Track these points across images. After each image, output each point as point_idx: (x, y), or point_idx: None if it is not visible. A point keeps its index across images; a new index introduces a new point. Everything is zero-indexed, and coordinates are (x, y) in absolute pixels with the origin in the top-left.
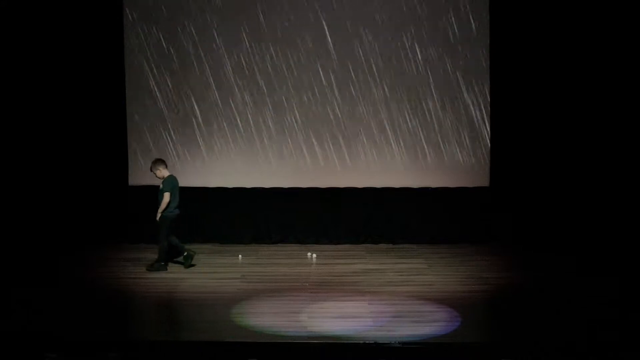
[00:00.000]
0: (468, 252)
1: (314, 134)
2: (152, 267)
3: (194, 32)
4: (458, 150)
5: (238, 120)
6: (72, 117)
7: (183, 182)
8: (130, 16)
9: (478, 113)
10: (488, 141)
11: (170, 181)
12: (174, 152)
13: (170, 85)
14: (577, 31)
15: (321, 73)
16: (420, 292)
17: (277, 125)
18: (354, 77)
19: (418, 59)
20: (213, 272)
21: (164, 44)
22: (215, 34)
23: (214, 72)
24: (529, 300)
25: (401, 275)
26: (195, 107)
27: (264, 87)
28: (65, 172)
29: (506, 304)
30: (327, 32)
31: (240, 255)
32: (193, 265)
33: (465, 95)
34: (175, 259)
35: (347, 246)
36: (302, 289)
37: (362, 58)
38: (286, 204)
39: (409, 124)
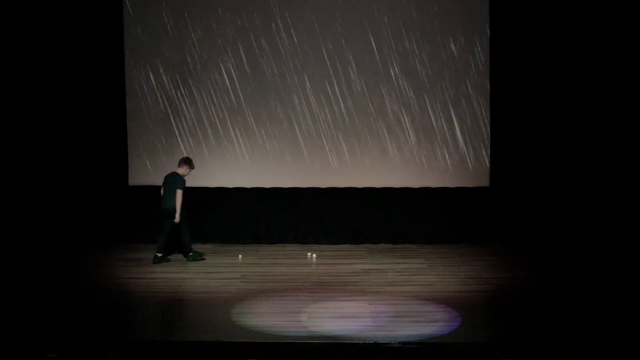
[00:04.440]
0: (468, 252)
1: (314, 134)
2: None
3: (193, 31)
4: (458, 150)
5: (238, 120)
6: (72, 117)
7: None
8: (130, 14)
9: (478, 113)
10: (488, 141)
11: None
12: (174, 152)
13: (170, 86)
14: (577, 31)
15: (322, 73)
16: (420, 292)
17: (277, 125)
18: (354, 77)
19: (418, 59)
20: (213, 272)
21: (164, 43)
22: (215, 34)
23: (213, 72)
24: (529, 300)
25: (401, 275)
26: (195, 107)
27: (264, 87)
28: (65, 172)
29: (506, 304)
30: (328, 33)
31: (240, 255)
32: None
33: (466, 95)
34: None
35: (347, 246)
36: (302, 289)
37: (363, 59)
38: (286, 204)
39: (409, 124)
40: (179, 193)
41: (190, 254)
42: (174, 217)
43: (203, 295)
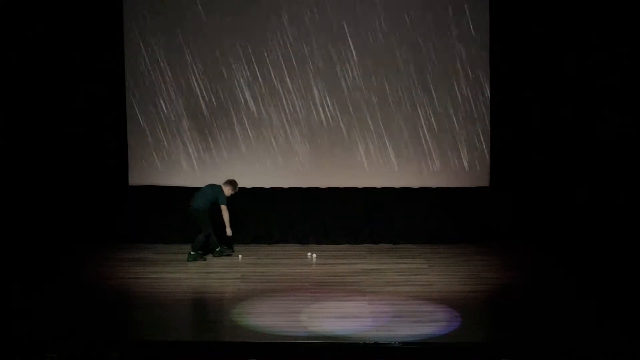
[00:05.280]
0: (468, 252)
1: (315, 134)
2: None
3: (194, 30)
4: (458, 150)
5: (238, 120)
6: (72, 118)
7: (183, 183)
8: (130, 13)
9: (478, 113)
10: (488, 141)
11: None
12: (174, 152)
13: (170, 86)
14: (577, 31)
15: (322, 74)
16: (420, 292)
17: (277, 126)
18: (354, 77)
19: (418, 59)
20: (213, 272)
21: (164, 43)
22: (214, 33)
23: (214, 72)
24: (529, 300)
25: (401, 275)
26: (195, 107)
27: (264, 88)
28: (65, 172)
29: (506, 304)
30: (328, 34)
31: (240, 255)
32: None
33: (465, 95)
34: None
35: (347, 246)
36: (302, 289)
37: (362, 59)
38: (286, 204)
39: (409, 124)
40: (224, 208)
41: (192, 253)
42: (196, 217)
43: (203, 295)
